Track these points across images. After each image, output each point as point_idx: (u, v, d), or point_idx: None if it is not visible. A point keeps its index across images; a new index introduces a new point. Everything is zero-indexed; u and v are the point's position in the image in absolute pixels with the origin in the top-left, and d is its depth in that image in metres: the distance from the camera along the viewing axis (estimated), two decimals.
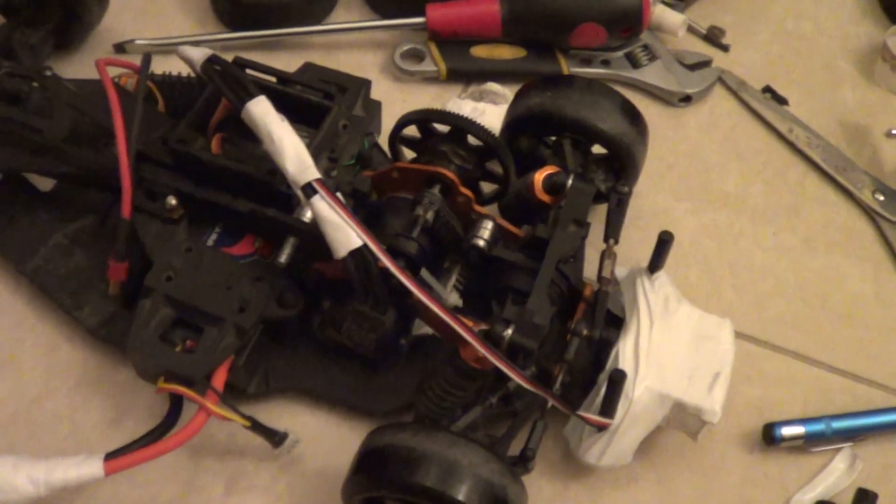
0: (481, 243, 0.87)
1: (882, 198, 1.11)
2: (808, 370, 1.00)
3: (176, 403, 0.87)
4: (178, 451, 0.84)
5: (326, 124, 0.91)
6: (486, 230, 0.88)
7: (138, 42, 1.19)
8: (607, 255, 0.89)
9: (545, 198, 0.90)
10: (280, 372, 0.93)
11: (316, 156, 0.83)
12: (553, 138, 1.00)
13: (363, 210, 0.90)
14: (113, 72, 0.96)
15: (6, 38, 1.04)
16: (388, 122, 1.01)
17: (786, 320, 1.03)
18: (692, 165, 1.14)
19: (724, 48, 1.25)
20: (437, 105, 1.09)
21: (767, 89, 1.20)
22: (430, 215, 0.87)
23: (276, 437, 0.86)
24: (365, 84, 0.99)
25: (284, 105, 0.86)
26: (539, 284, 0.83)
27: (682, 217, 1.09)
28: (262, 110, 0.84)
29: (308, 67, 1.01)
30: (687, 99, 1.18)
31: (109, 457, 0.82)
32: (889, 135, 1.16)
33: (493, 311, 0.88)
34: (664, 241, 0.88)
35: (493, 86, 1.15)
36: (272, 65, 0.97)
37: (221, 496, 0.91)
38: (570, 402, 0.83)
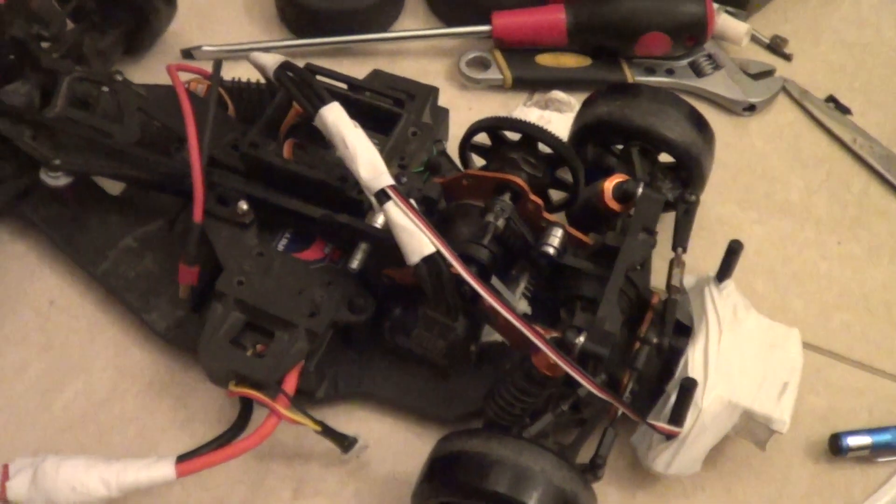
0: (551, 251, 0.87)
1: None
2: (874, 380, 0.99)
3: (246, 407, 0.87)
4: (246, 454, 0.85)
5: (397, 131, 0.92)
6: (556, 237, 0.88)
7: (206, 48, 1.20)
8: (676, 263, 0.89)
9: (614, 206, 0.91)
10: (348, 377, 0.93)
11: (387, 162, 0.83)
12: (620, 147, 1.00)
13: (432, 217, 0.90)
14: (182, 77, 0.96)
15: (76, 42, 1.04)
16: (453, 130, 1.01)
17: (851, 330, 1.02)
18: (756, 174, 1.13)
19: (787, 57, 1.25)
20: (502, 113, 1.08)
21: (831, 99, 1.20)
22: (500, 222, 0.87)
23: (345, 442, 0.87)
24: (433, 91, 0.99)
25: (354, 111, 0.86)
26: (609, 292, 0.83)
27: (746, 226, 1.09)
28: (335, 116, 0.84)
29: (376, 74, 1.02)
30: (751, 108, 1.18)
31: (181, 459, 0.83)
32: None
33: (562, 318, 0.88)
34: (733, 250, 0.88)
35: (558, 94, 1.15)
36: (334, 70, 0.98)
37: (289, 500, 0.91)
38: (640, 411, 0.83)
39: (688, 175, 0.99)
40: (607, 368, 0.83)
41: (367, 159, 0.81)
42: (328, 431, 0.86)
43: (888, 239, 1.10)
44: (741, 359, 0.85)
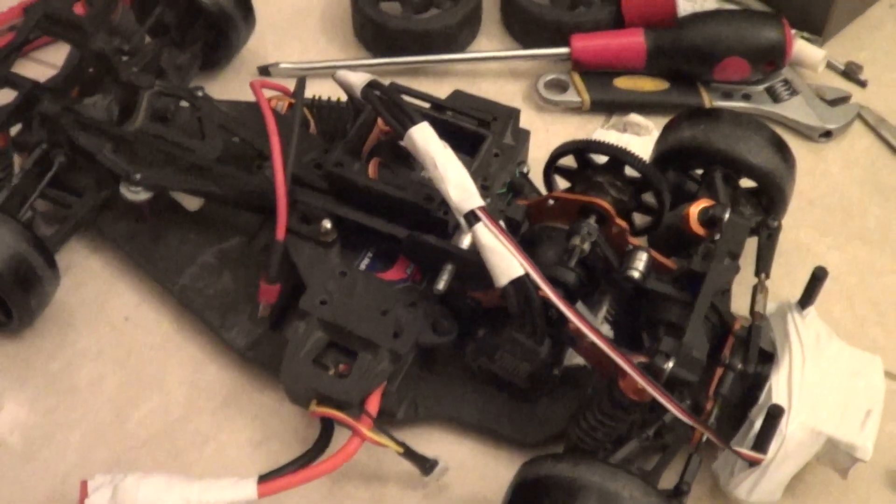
0: (636, 275, 0.87)
1: None
2: None
3: (327, 427, 0.87)
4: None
5: (482, 153, 0.92)
6: (641, 262, 0.87)
7: (283, 65, 1.21)
8: (759, 289, 0.88)
9: (700, 230, 0.90)
10: (429, 398, 0.93)
11: None
12: (700, 171, 0.99)
13: (518, 237, 0.90)
14: (264, 94, 0.96)
15: (155, 57, 1.05)
16: (532, 152, 1.01)
17: None
18: (833, 201, 1.13)
19: (862, 84, 1.24)
20: (580, 135, 1.09)
21: None
22: (586, 245, 0.87)
23: (426, 464, 0.86)
24: (515, 113, 0.98)
25: (438, 131, 0.86)
26: (696, 318, 0.83)
27: (824, 252, 1.08)
28: (425, 137, 0.84)
29: (457, 95, 1.02)
30: (827, 134, 1.17)
31: (263, 479, 0.82)
32: None
33: (645, 343, 0.88)
34: (818, 278, 0.87)
35: (636, 117, 1.15)
36: (418, 90, 0.98)
37: None
38: (722, 436, 0.83)
39: (769, 200, 0.98)
40: (695, 392, 0.82)
41: (457, 180, 0.81)
42: (410, 453, 0.85)
43: None
44: (824, 386, 0.84)
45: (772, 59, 1.16)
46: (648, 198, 0.95)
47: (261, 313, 0.93)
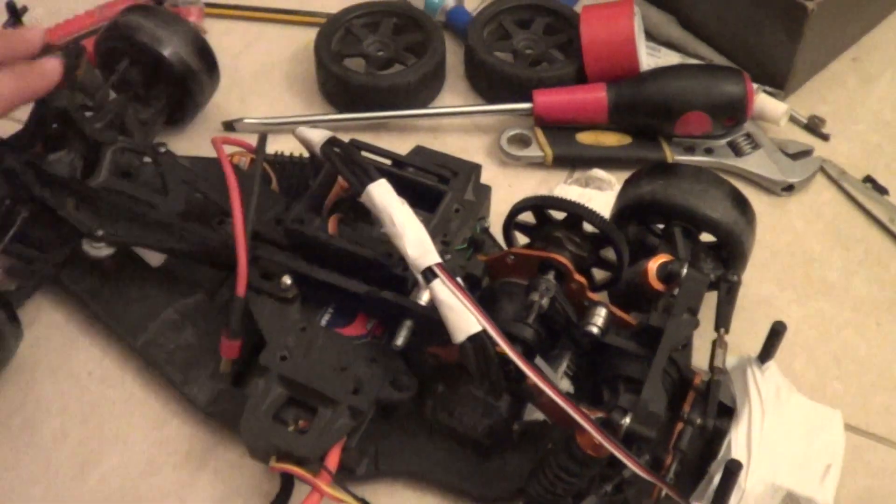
0: (595, 330, 0.87)
1: None
2: None
3: (287, 483, 0.87)
4: None
5: (441, 209, 0.92)
6: (600, 317, 0.88)
7: (247, 121, 1.21)
8: (719, 344, 0.88)
9: (658, 286, 0.90)
10: (389, 454, 0.92)
11: (431, 239, 0.83)
12: (661, 226, 1.00)
13: (477, 293, 0.90)
14: (226, 150, 0.96)
15: (119, 113, 1.05)
16: (494, 207, 1.01)
17: (891, 411, 1.01)
18: (795, 254, 1.13)
19: (825, 137, 1.25)
20: (542, 190, 1.10)
21: (868, 179, 1.20)
22: (545, 301, 0.87)
23: None
24: (476, 169, 0.99)
25: (398, 187, 0.86)
26: (654, 373, 0.83)
27: (785, 306, 1.08)
28: (383, 193, 0.84)
29: (419, 150, 1.02)
30: (790, 188, 1.18)
31: None
32: None
33: (605, 398, 0.87)
34: (777, 332, 0.87)
35: (598, 172, 1.15)
36: (379, 146, 0.98)
37: None
38: (681, 491, 0.83)
39: (730, 255, 0.99)
40: (654, 448, 0.82)
41: (414, 237, 0.82)
42: None
43: None
44: (784, 440, 0.85)
45: (733, 113, 1.16)
46: (608, 253, 0.96)
47: (222, 369, 0.93)
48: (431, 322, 0.82)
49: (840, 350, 1.06)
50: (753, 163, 1.19)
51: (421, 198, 0.93)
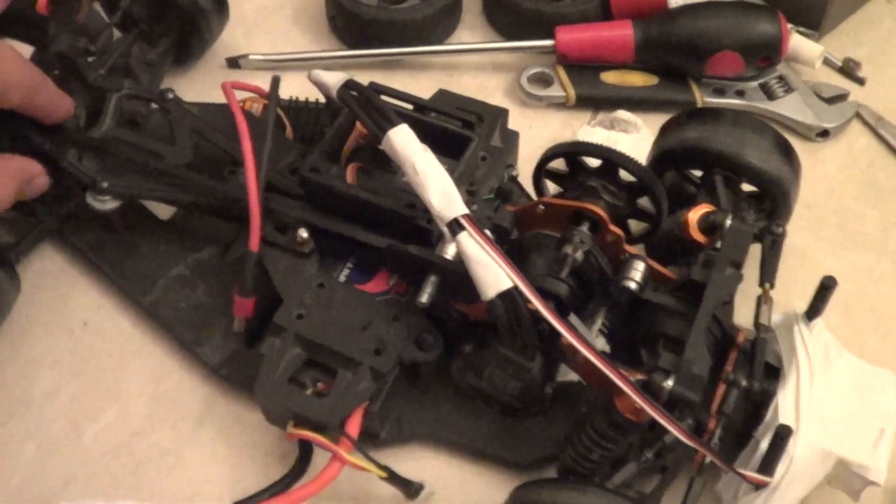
0: (633, 285, 0.82)
1: None
2: None
3: (306, 450, 0.83)
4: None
5: (467, 156, 0.88)
6: (638, 272, 0.83)
7: (252, 57, 1.16)
8: (764, 300, 0.84)
9: (700, 238, 0.86)
10: (414, 417, 0.88)
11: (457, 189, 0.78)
12: (700, 174, 0.95)
13: (506, 245, 0.85)
14: (238, 96, 0.92)
15: (123, 56, 1.00)
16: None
17: None
18: (830, 204, 1.09)
19: (861, 81, 1.20)
20: (565, 132, 1.07)
21: None
22: (579, 255, 0.82)
23: (411, 489, 0.83)
24: (503, 113, 0.94)
25: (421, 134, 0.82)
26: (697, 332, 0.78)
27: (820, 258, 1.04)
28: (404, 140, 0.80)
29: (442, 94, 0.98)
30: (825, 133, 1.13)
31: None
32: None
33: (644, 358, 0.83)
34: (826, 287, 0.83)
35: (623, 114, 1.11)
36: (391, 85, 0.94)
37: None
38: (726, 457, 0.78)
39: (773, 205, 0.94)
40: (697, 411, 0.78)
41: (439, 186, 0.77)
42: (394, 478, 0.81)
43: None
44: (834, 403, 0.80)
45: (767, 54, 1.12)
46: (645, 203, 0.91)
47: (235, 328, 0.89)
48: (458, 277, 0.78)
49: (878, 305, 1.02)
50: (787, 107, 1.14)
51: (445, 145, 0.89)
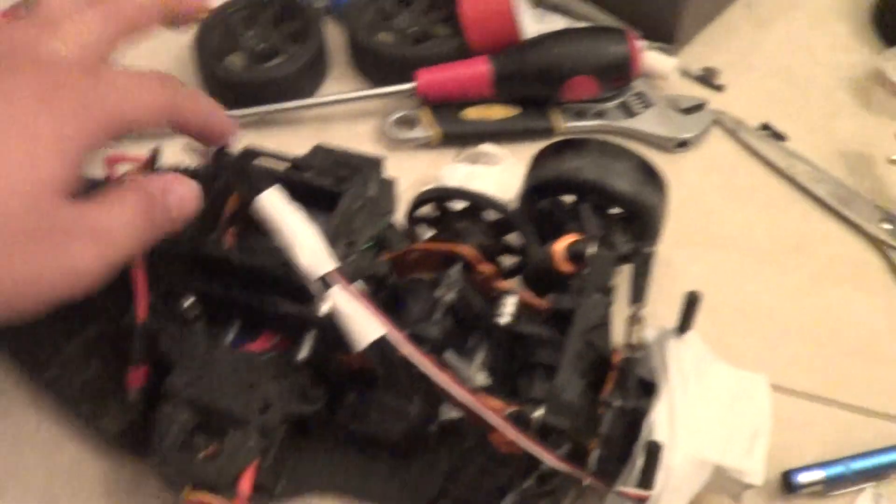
0: (503, 320, 0.85)
1: (890, 226, 1.10)
2: (824, 411, 0.98)
3: None
4: None
5: (340, 210, 0.89)
6: (508, 306, 0.86)
7: None
8: (633, 320, 0.87)
9: (567, 267, 0.89)
10: (307, 469, 0.90)
11: (333, 243, 0.80)
12: (572, 202, 0.99)
13: (384, 293, 0.88)
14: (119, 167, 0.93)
15: None
16: None
17: (798, 362, 1.01)
18: (693, 211, 1.12)
19: (719, 88, 1.24)
20: (433, 171, 1.09)
21: (765, 126, 1.19)
22: (450, 296, 0.85)
23: None
24: (377, 163, 0.96)
25: (297, 192, 0.83)
26: (566, 359, 0.81)
27: (684, 265, 1.07)
28: (271, 203, 0.81)
29: (317, 149, 0.98)
30: (683, 144, 1.17)
31: None
32: (892, 161, 1.15)
33: (520, 389, 0.86)
34: (691, 302, 0.85)
35: (487, 147, 1.14)
36: (264, 143, 0.95)
37: None
38: (609, 476, 0.81)
39: (642, 227, 0.98)
40: (572, 437, 0.81)
41: (305, 245, 0.79)
42: None
43: (831, 264, 1.09)
44: (708, 412, 0.83)
45: (619, 73, 1.16)
46: (515, 237, 0.94)
47: (131, 398, 0.89)
48: (334, 331, 0.79)
49: (743, 304, 1.05)
50: (645, 122, 1.18)
51: (324, 200, 0.90)
